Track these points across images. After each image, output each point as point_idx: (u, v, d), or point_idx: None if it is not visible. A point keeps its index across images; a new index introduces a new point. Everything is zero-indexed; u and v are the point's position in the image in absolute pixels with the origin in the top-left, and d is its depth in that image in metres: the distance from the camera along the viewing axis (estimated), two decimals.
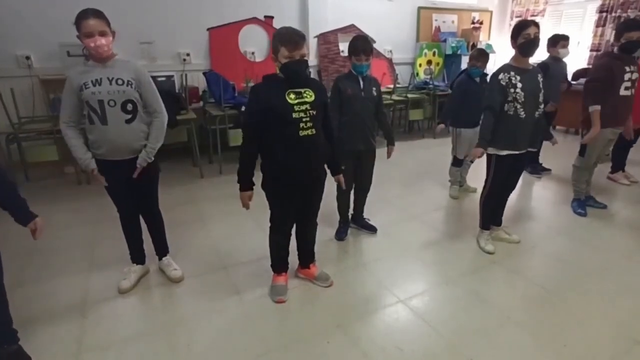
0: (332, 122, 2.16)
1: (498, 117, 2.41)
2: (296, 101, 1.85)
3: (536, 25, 2.32)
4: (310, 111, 1.87)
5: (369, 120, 2.61)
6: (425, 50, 6.62)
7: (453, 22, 6.96)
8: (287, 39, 1.79)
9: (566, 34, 3.99)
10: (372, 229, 2.96)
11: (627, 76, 2.89)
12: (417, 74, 6.53)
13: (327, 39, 5.81)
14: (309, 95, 1.89)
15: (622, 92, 2.91)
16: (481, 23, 7.08)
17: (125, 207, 2.26)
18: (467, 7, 7.09)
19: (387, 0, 6.25)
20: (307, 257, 2.35)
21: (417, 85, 6.25)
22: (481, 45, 6.73)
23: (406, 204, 3.54)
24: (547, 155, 4.20)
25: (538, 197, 3.78)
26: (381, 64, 6.26)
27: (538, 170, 4.24)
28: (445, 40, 6.67)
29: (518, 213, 3.28)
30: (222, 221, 3.18)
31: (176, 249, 2.66)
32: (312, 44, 5.74)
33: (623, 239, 2.89)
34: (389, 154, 2.80)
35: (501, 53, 6.90)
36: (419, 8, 6.57)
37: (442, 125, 3.54)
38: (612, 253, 2.69)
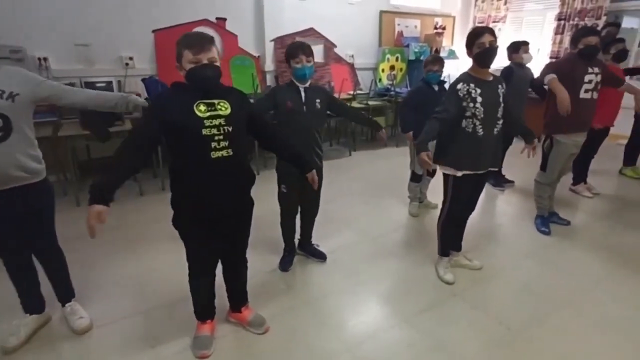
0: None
1: (454, 134, 2.17)
2: (207, 114, 1.51)
3: (491, 32, 2.07)
4: (225, 127, 1.54)
5: (312, 138, 2.29)
6: (388, 55, 6.41)
7: (416, 27, 6.80)
8: (191, 41, 1.48)
9: (526, 39, 3.84)
10: (322, 257, 2.65)
11: (588, 77, 2.72)
12: (380, 79, 6.31)
13: (284, 43, 5.48)
14: (224, 108, 1.55)
15: (582, 94, 2.74)
16: (444, 28, 6.96)
17: (10, 251, 1.83)
18: (430, 12, 6.95)
19: (348, 4, 6.01)
20: (237, 299, 2.01)
21: (378, 91, 6.03)
22: (444, 50, 6.60)
23: (362, 224, 3.25)
24: (510, 165, 4.04)
25: (501, 214, 3.58)
26: (342, 69, 5.99)
27: (501, 182, 4.06)
28: (408, 45, 6.48)
29: (479, 233, 3.04)
30: (156, 249, 2.78)
31: (93, 288, 2.29)
32: (268, 47, 5.42)
33: (590, 261, 2.69)
34: (383, 140, 2.62)
35: (464, 59, 6.78)
36: (381, 12, 6.36)
37: (410, 134, 3.13)
38: (579, 278, 2.49)
